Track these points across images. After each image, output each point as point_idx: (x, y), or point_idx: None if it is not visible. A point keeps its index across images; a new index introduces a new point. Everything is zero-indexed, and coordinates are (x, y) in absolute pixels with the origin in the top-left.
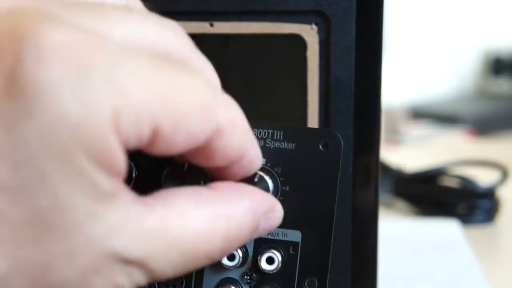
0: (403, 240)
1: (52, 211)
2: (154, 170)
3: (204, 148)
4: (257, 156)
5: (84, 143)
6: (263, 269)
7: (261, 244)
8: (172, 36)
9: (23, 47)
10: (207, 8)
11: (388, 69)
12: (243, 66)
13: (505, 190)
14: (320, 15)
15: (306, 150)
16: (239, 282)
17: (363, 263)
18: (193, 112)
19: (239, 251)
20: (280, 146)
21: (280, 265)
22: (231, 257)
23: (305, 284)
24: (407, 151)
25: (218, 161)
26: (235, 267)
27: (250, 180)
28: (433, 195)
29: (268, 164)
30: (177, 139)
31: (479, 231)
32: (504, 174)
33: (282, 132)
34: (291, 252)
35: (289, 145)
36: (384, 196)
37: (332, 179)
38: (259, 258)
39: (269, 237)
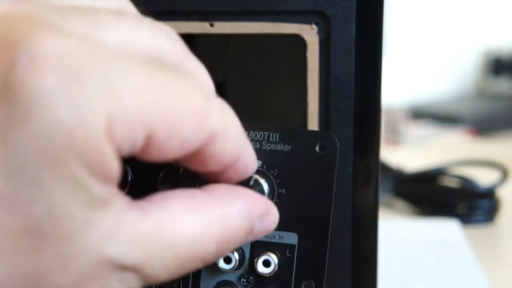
0: (403, 240)
1: (47, 219)
2: (149, 173)
3: (198, 154)
4: (252, 160)
5: (78, 151)
6: (260, 272)
7: (258, 246)
8: (166, 40)
9: (17, 54)
10: (207, 8)
11: (388, 69)
12: (243, 66)
13: (505, 190)
14: (320, 15)
15: (302, 152)
16: (236, 285)
17: (363, 263)
18: (187, 117)
19: (236, 254)
20: (276, 149)
21: (276, 268)
22: (227, 260)
23: (302, 286)
24: (407, 151)
25: (212, 166)
26: (232, 270)
27: (245, 183)
28: (433, 195)
29: (264, 167)
30: (171, 145)
31: (479, 231)
32: (504, 174)
33: (278, 134)
34: (287, 254)
35: (285, 147)
36: (384, 196)
37: (328, 181)
38: (255, 261)
39: (266, 239)
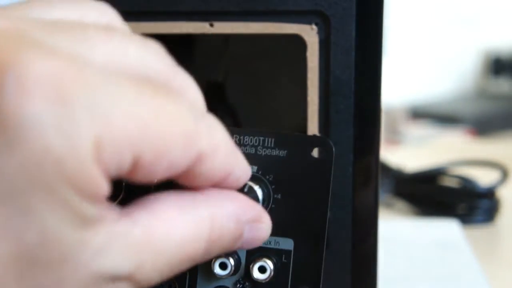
0: (403, 240)
1: (39, 244)
2: None
3: (186, 173)
4: (244, 172)
5: (68, 176)
6: (255, 278)
7: (254, 252)
8: (154, 57)
9: (5, 79)
10: (207, 8)
11: (388, 69)
12: (243, 66)
13: (505, 190)
14: (320, 15)
15: (297, 157)
16: None
17: (363, 263)
18: (175, 141)
19: (231, 260)
20: (272, 154)
21: (272, 273)
22: (223, 266)
23: None
24: (407, 151)
25: (202, 183)
26: (228, 275)
27: (239, 190)
28: (433, 195)
29: (260, 172)
30: (158, 169)
31: (479, 231)
32: (504, 174)
33: (273, 139)
34: (283, 260)
35: (280, 152)
36: (384, 196)
37: (324, 186)
38: (251, 267)
39: (262, 245)
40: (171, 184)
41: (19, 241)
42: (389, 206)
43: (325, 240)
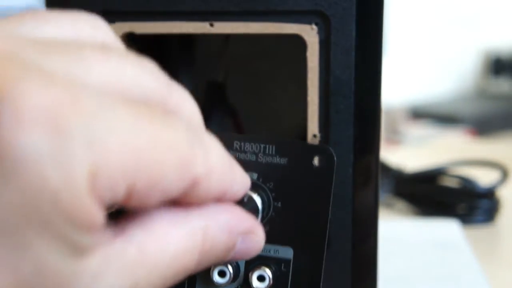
0: (403, 240)
1: (35, 277)
2: None
3: (182, 196)
4: (242, 186)
5: (63, 209)
6: (254, 287)
7: (253, 260)
8: (149, 76)
9: (1, 109)
10: (207, 8)
11: (388, 69)
12: (243, 66)
13: (505, 190)
14: (320, 15)
15: (298, 165)
16: None
17: (363, 264)
18: (170, 168)
19: (230, 268)
20: (272, 161)
21: (271, 282)
22: (222, 274)
23: None
24: (407, 151)
25: (198, 202)
26: (227, 284)
27: (239, 200)
28: (433, 195)
29: (260, 179)
30: (152, 196)
31: (479, 231)
32: (504, 174)
33: (274, 147)
34: (282, 269)
35: (281, 160)
36: (384, 196)
37: (325, 195)
38: (250, 275)
39: (261, 253)
40: None
41: (16, 273)
42: (389, 206)
43: (325, 249)
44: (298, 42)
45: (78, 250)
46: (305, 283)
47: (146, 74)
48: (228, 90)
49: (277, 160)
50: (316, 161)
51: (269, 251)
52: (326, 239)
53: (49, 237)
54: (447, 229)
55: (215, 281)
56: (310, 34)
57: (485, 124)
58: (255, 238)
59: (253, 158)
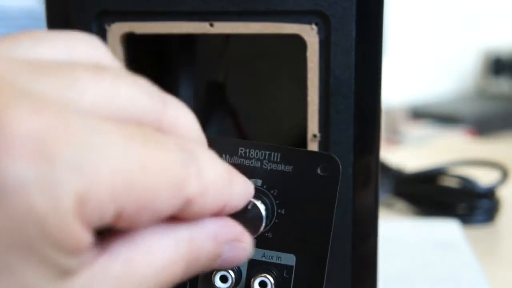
0: (403, 240)
1: None
2: None
3: (174, 215)
4: (242, 197)
5: (49, 234)
6: None
7: (255, 266)
8: (144, 95)
9: None
10: (207, 8)
11: (388, 69)
12: (243, 66)
13: (505, 190)
14: (320, 15)
15: (303, 173)
16: None
17: (363, 264)
18: (162, 192)
19: (232, 273)
20: (277, 168)
21: None
22: (224, 279)
23: None
24: (407, 151)
25: (195, 219)
26: None
27: (243, 208)
28: (433, 195)
29: (264, 186)
30: (142, 217)
31: (479, 231)
32: (504, 174)
33: (279, 154)
34: (285, 275)
35: (286, 168)
36: (384, 196)
37: (329, 204)
38: (252, 281)
39: (263, 259)
40: None
41: None
42: (389, 206)
43: (328, 257)
44: (298, 42)
45: (64, 273)
46: None
47: (140, 93)
48: (228, 90)
49: (282, 167)
50: (320, 169)
51: (272, 258)
52: (329, 247)
53: (34, 261)
54: (447, 229)
55: (217, 286)
56: (310, 34)
57: (485, 124)
58: (242, 246)
59: (258, 164)
